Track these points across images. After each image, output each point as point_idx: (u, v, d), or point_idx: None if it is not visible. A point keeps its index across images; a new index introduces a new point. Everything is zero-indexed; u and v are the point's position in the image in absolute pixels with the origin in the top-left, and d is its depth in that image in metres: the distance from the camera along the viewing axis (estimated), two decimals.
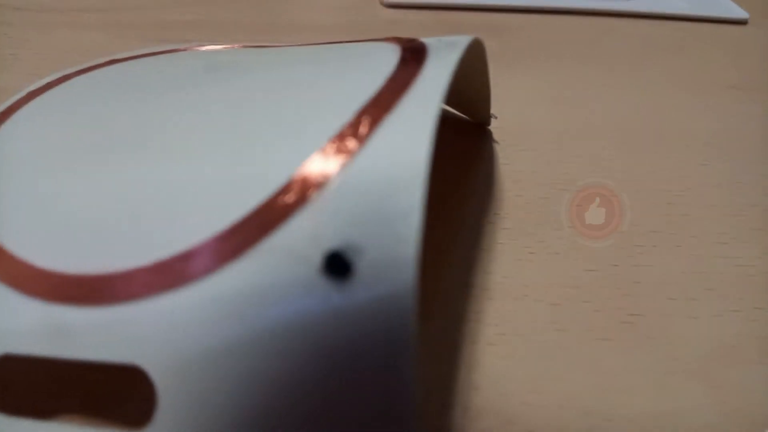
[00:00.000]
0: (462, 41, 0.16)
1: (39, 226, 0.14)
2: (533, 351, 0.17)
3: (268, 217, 0.12)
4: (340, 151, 0.13)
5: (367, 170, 0.12)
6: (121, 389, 0.14)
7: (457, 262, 0.20)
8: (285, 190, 0.12)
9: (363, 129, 0.13)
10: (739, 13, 0.38)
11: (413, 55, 0.16)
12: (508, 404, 0.16)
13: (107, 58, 0.21)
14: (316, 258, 0.11)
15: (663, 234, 0.22)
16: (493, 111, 0.25)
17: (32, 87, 0.20)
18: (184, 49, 0.20)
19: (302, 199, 0.12)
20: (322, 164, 0.13)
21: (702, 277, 0.20)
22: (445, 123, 0.26)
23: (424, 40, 0.17)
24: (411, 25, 0.34)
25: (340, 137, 0.13)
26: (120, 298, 0.12)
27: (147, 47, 0.23)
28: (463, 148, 0.25)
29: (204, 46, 0.21)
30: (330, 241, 0.11)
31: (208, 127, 0.14)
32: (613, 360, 0.17)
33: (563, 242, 0.21)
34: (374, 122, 0.13)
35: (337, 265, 0.11)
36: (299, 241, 0.12)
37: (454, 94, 0.24)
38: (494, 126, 0.26)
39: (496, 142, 0.25)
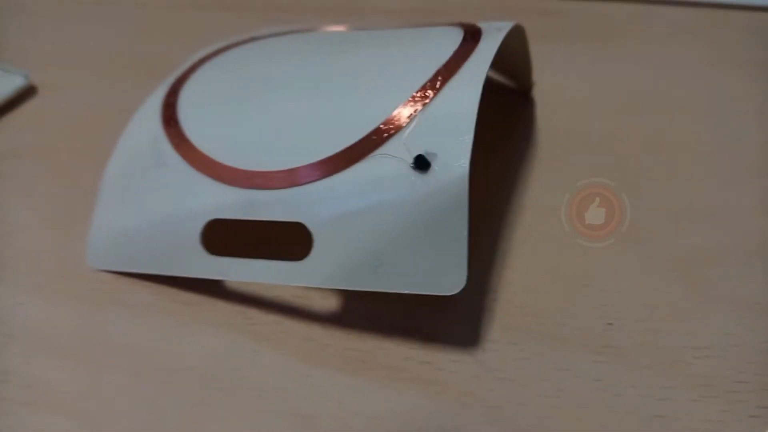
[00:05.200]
0: (506, 26, 0.23)
1: (233, 142, 0.22)
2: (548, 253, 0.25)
3: (379, 136, 0.20)
4: (423, 97, 0.20)
5: (440, 108, 0.20)
6: (283, 241, 0.22)
7: (500, 181, 0.27)
8: (389, 120, 0.20)
9: (438, 83, 0.20)
10: None
11: (472, 35, 0.23)
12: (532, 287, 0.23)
13: (249, 36, 0.29)
14: (409, 159, 0.19)
15: (661, 170, 0.28)
16: (535, 79, 0.32)
17: (201, 54, 0.28)
18: (310, 30, 0.28)
19: (399, 126, 0.20)
20: (411, 105, 0.20)
21: (692, 208, 0.27)
22: (496, 88, 0.33)
23: (480, 24, 0.24)
24: (473, 9, 0.41)
25: (423, 89, 0.21)
26: (289, 184, 0.20)
27: (275, 26, 0.30)
28: (510, 108, 0.32)
29: (324, 27, 0.28)
30: (417, 149, 0.19)
31: (340, 85, 0.22)
32: (609, 261, 0.24)
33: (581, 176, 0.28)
34: (444, 80, 0.21)
35: (421, 164, 0.19)
36: (398, 150, 0.19)
37: (504, 66, 0.31)
38: (536, 92, 0.33)
39: (535, 103, 0.32)
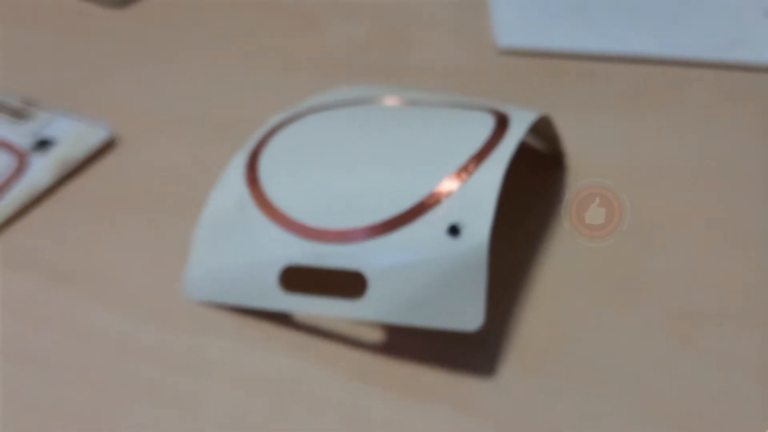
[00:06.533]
0: (531, 117, 0.29)
1: (307, 203, 0.28)
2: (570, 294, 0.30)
3: (421, 208, 0.26)
4: (459, 178, 0.26)
5: (471, 188, 0.26)
6: (343, 284, 0.27)
7: (525, 240, 0.32)
8: (432, 195, 0.26)
9: (471, 167, 0.26)
10: None
11: (501, 125, 0.28)
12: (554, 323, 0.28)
13: (311, 107, 0.34)
14: (444, 227, 0.25)
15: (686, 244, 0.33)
16: (570, 146, 0.36)
17: (276, 120, 0.34)
18: (368, 100, 0.34)
19: (439, 200, 0.26)
20: (449, 184, 0.26)
21: (697, 273, 0.31)
22: (530, 156, 0.37)
23: (508, 113, 0.30)
24: (518, 70, 0.43)
25: (458, 171, 0.26)
26: (350, 240, 0.26)
27: (337, 90, 0.36)
28: (543, 175, 0.37)
29: (380, 100, 0.34)
30: (451, 220, 0.25)
31: (394, 161, 0.28)
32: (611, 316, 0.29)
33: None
34: (477, 164, 0.26)
35: (453, 231, 0.25)
36: (437, 219, 0.25)
37: (537, 135, 0.36)
38: (568, 159, 0.37)
39: (567, 169, 0.37)
